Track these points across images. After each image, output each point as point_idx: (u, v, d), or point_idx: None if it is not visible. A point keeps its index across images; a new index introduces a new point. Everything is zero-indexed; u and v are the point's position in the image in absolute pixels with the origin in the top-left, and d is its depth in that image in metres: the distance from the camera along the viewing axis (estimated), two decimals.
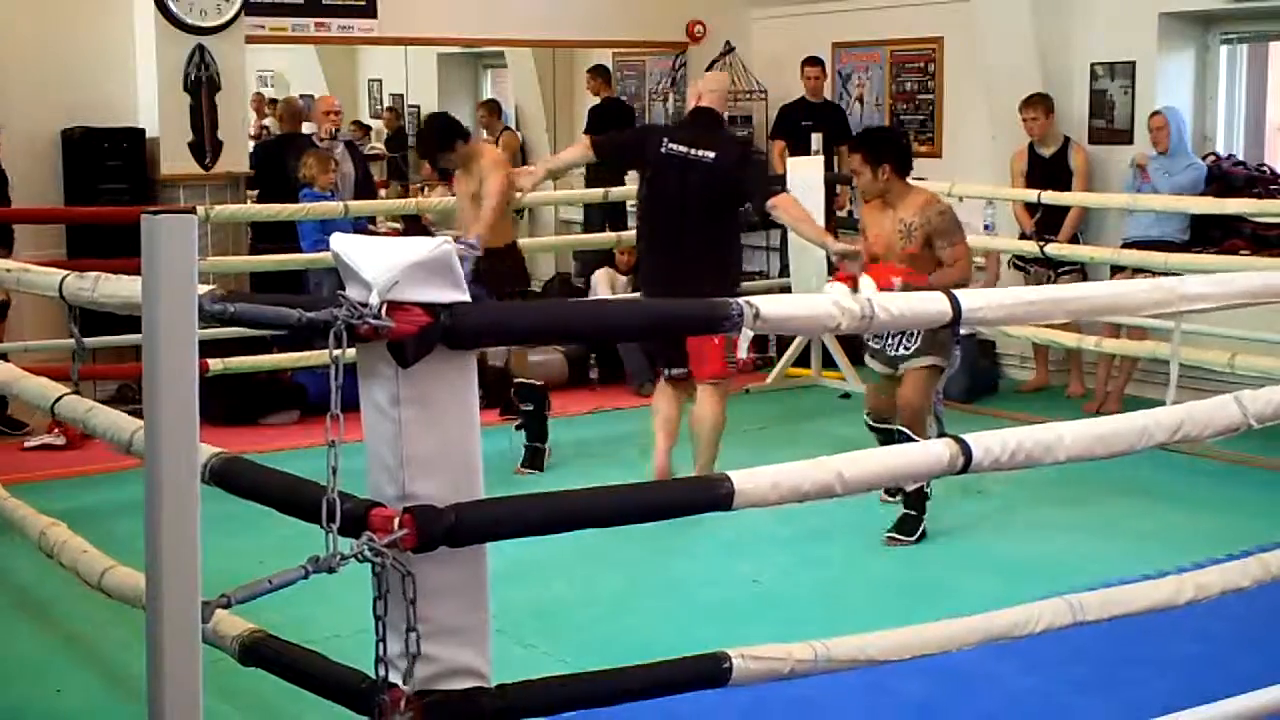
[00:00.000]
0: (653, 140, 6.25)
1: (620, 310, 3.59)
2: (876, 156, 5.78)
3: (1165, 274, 6.58)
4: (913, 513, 5.64)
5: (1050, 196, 7.78)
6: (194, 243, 2.00)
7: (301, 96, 13.06)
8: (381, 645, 2.31)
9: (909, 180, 5.91)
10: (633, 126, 7.19)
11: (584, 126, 11.00)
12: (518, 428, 6.83)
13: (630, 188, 7.91)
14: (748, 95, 10.53)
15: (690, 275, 5.86)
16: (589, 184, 9.62)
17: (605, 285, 9.24)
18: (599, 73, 11.16)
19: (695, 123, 6.30)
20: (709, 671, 2.65)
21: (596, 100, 11.04)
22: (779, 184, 6.64)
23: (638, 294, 7.31)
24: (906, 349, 5.78)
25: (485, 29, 10.18)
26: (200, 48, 8.28)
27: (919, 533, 5.64)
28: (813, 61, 9.80)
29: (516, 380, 6.98)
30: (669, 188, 6.09)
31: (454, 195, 7.36)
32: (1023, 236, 8.24)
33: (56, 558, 3.73)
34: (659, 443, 6.23)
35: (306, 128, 10.90)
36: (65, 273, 3.32)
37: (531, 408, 6.82)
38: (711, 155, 6.02)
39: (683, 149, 6.07)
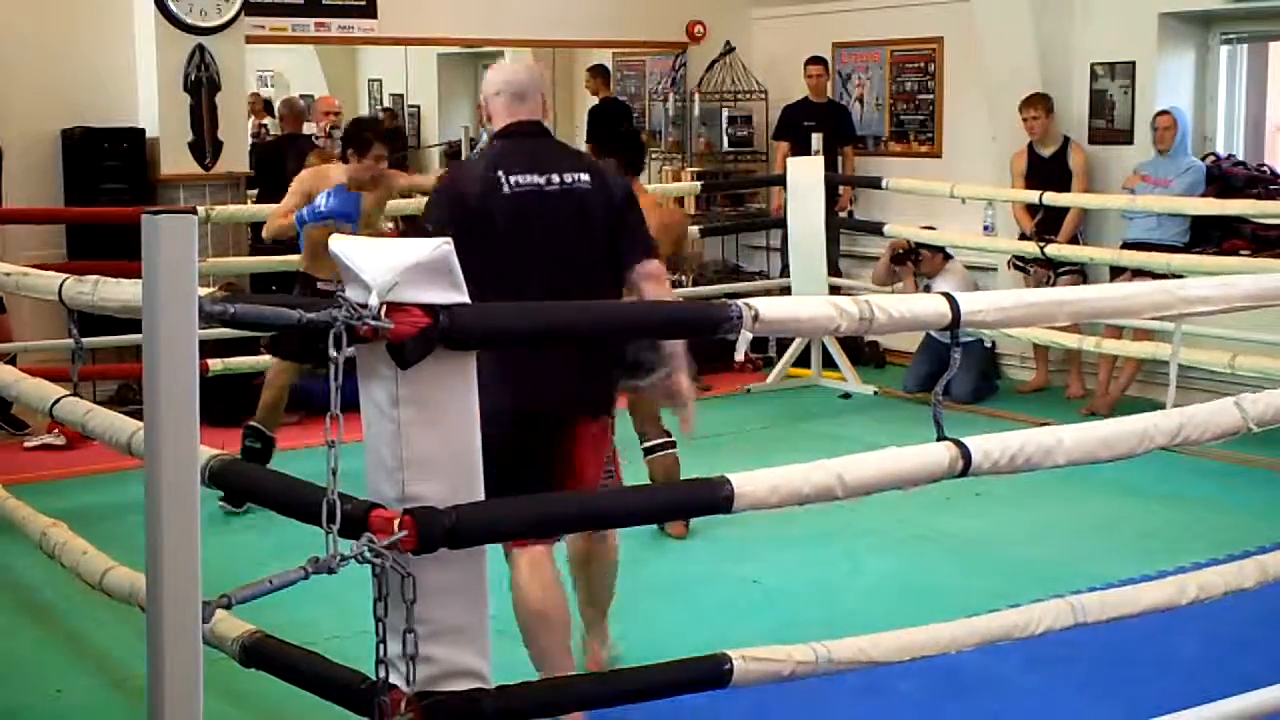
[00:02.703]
0: (482, 187, 3.93)
1: (621, 311, 3.47)
2: (603, 151, 5.38)
3: (1166, 275, 6.58)
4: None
5: (1050, 197, 7.76)
6: (194, 243, 2.00)
7: (301, 96, 13.06)
8: (382, 646, 2.31)
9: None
10: (446, 194, 4.09)
11: (584, 126, 11.01)
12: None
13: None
14: (748, 95, 10.52)
15: (603, 353, 3.90)
16: None
17: None
18: (599, 72, 11.15)
19: (534, 141, 4.15)
20: (709, 673, 2.65)
21: (596, 100, 11.04)
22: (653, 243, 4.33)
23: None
24: None
25: (485, 29, 10.16)
26: (200, 48, 8.27)
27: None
28: (815, 60, 9.78)
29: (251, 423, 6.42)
30: (546, 237, 3.95)
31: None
32: (1023, 237, 8.23)
33: (57, 559, 3.73)
34: (561, 639, 3.86)
35: (307, 128, 10.91)
36: (65, 276, 3.32)
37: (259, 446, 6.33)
38: (586, 179, 4.06)
39: (537, 179, 4.01)
